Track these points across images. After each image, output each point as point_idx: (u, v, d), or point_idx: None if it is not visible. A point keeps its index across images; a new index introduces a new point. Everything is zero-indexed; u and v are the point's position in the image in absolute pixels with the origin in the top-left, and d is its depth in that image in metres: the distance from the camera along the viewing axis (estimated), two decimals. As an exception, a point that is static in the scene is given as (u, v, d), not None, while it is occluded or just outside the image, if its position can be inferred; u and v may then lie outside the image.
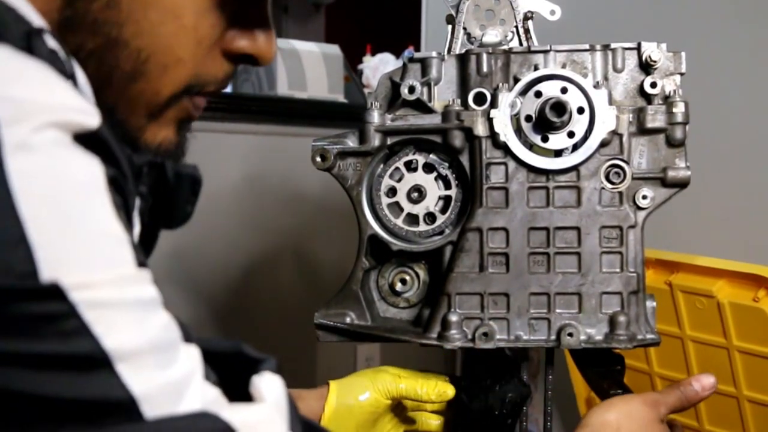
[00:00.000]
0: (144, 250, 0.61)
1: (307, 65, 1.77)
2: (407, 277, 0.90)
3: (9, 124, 0.39)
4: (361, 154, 0.88)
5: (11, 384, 0.39)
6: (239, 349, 0.53)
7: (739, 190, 1.10)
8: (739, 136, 1.11)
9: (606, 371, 0.86)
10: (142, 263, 0.43)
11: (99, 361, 0.40)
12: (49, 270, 0.39)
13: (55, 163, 0.40)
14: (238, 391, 0.49)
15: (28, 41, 0.43)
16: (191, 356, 0.45)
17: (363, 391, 0.86)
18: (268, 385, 0.50)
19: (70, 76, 0.46)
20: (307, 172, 0.99)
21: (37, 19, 0.46)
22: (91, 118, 0.43)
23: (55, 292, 0.39)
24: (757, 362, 0.95)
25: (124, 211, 0.45)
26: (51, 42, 0.45)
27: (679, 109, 0.82)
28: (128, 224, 0.46)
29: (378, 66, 2.16)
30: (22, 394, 0.39)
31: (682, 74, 0.83)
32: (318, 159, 0.88)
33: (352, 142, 0.88)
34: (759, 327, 0.93)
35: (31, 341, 0.39)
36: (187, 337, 0.46)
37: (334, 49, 1.87)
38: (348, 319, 0.89)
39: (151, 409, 0.41)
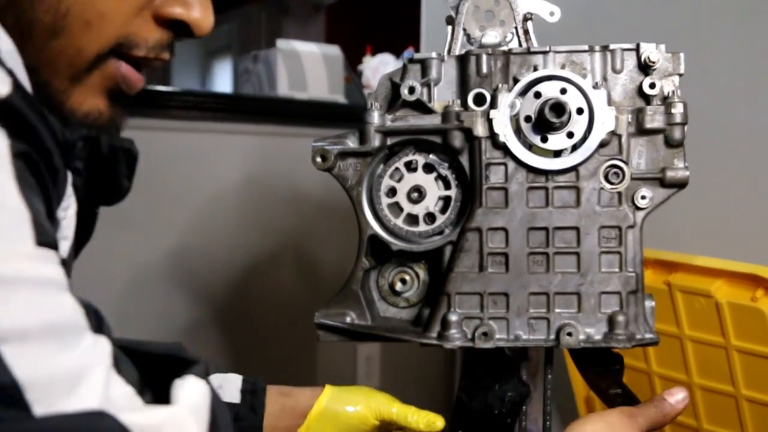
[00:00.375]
0: (83, 226, 0.58)
1: (307, 66, 1.78)
2: (407, 277, 0.90)
3: None
4: (361, 154, 0.88)
5: None
6: (175, 352, 0.50)
7: (738, 190, 1.10)
8: (738, 137, 1.12)
9: (605, 371, 0.87)
10: (45, 243, 0.41)
11: None
12: None
13: None
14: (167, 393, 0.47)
15: None
16: (96, 347, 0.42)
17: (355, 403, 0.87)
18: (188, 389, 0.47)
19: None
20: (308, 173, 1.00)
21: None
22: (1, 85, 0.41)
23: None
24: (755, 361, 0.96)
25: (40, 187, 0.43)
26: None
27: (677, 109, 0.82)
28: (44, 201, 0.43)
29: (378, 66, 2.17)
30: None
31: (680, 75, 0.84)
32: (318, 159, 0.89)
33: (352, 143, 0.89)
34: (757, 327, 0.93)
35: None
36: (99, 328, 0.43)
37: (335, 50, 1.88)
38: (348, 319, 0.89)
39: (36, 399, 0.38)
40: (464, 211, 0.87)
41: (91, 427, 0.39)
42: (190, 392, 0.46)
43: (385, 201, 0.89)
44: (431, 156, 0.88)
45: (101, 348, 0.42)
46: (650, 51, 0.83)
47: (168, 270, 1.56)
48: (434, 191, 0.88)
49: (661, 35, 0.87)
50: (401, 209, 0.89)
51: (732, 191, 1.10)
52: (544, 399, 0.92)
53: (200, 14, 0.55)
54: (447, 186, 0.88)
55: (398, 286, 0.90)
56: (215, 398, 0.48)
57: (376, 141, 0.87)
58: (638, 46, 0.84)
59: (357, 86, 1.95)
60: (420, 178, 0.88)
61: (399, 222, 0.88)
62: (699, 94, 0.90)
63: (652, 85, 0.83)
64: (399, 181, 0.89)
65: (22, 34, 0.49)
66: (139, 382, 0.45)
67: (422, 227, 0.88)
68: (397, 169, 0.89)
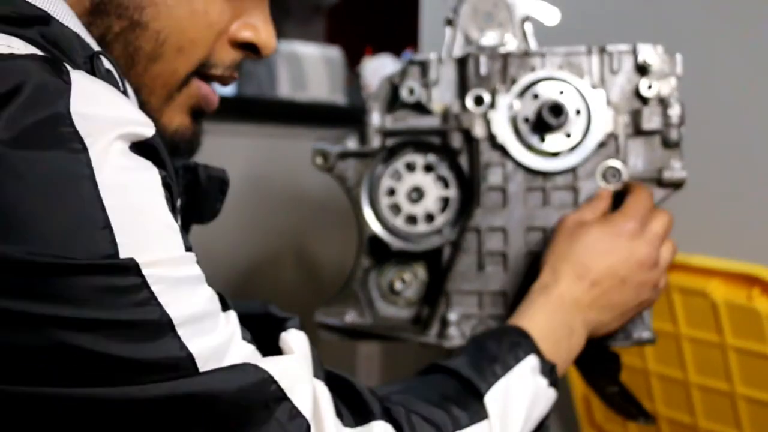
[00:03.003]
0: None
1: (308, 67, 1.78)
2: (407, 277, 0.91)
3: (91, 137, 0.47)
4: (361, 155, 0.89)
5: (93, 346, 0.46)
6: (267, 311, 0.61)
7: (735, 190, 1.11)
8: (734, 137, 1.13)
9: (603, 369, 0.88)
10: (189, 248, 0.51)
11: (165, 327, 0.48)
12: (126, 251, 0.47)
13: (126, 168, 0.48)
14: (268, 345, 0.56)
15: (91, 64, 0.53)
16: (231, 321, 0.53)
17: None
18: (295, 339, 0.58)
19: (124, 92, 0.54)
20: (308, 173, 1.00)
21: (94, 44, 0.55)
22: (148, 129, 0.51)
23: (132, 268, 0.47)
24: (751, 360, 0.96)
25: (172, 205, 0.52)
26: (107, 63, 0.54)
27: (674, 111, 0.83)
28: (177, 216, 0.53)
29: (377, 68, 2.17)
30: (102, 355, 0.46)
31: (677, 76, 0.84)
32: (319, 160, 0.90)
33: (352, 144, 0.89)
34: (753, 325, 0.94)
35: (110, 310, 0.46)
36: (226, 305, 0.54)
37: (335, 51, 1.89)
38: (348, 318, 0.90)
39: (203, 366, 0.49)
40: (463, 211, 0.88)
41: (243, 374, 0.50)
42: (298, 342, 0.58)
43: (385, 201, 0.90)
44: (430, 156, 0.89)
45: (232, 321, 0.53)
46: (647, 52, 0.84)
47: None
48: (433, 191, 0.89)
49: (659, 36, 0.88)
50: (401, 209, 0.89)
51: (729, 191, 1.11)
52: (542, 397, 0.92)
53: (266, 37, 0.64)
54: (446, 186, 0.89)
55: (398, 285, 0.91)
56: (312, 345, 0.59)
57: (375, 142, 0.88)
58: (635, 47, 0.84)
59: (357, 87, 1.96)
60: (419, 178, 0.89)
61: (399, 222, 0.89)
62: (697, 95, 0.91)
63: (650, 87, 0.84)
64: (398, 181, 0.90)
65: (126, 61, 0.59)
66: (252, 339, 0.54)
67: (422, 227, 0.89)
68: (396, 169, 0.90)
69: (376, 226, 0.89)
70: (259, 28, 0.64)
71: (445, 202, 0.89)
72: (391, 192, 0.90)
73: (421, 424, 0.61)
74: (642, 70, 0.84)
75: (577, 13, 1.08)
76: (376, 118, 0.88)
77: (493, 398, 0.65)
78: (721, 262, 0.98)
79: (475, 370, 0.66)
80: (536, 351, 0.70)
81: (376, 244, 0.90)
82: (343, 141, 0.89)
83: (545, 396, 0.70)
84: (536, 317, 0.73)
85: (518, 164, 0.84)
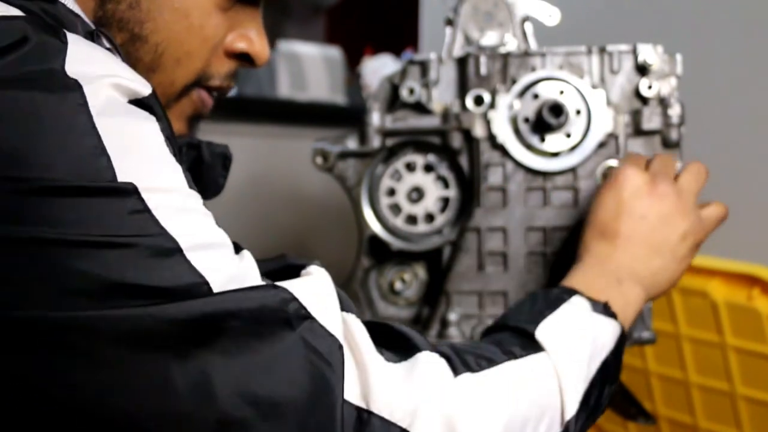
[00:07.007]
0: None
1: (307, 67, 1.78)
2: (407, 277, 0.91)
3: (85, 80, 0.48)
4: (361, 155, 0.89)
5: (93, 269, 0.45)
6: (286, 263, 0.60)
7: (734, 190, 1.11)
8: (733, 137, 1.13)
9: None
10: (192, 188, 0.51)
11: (172, 251, 0.47)
12: (124, 176, 0.47)
13: (121, 107, 0.49)
14: None
15: (91, 38, 0.54)
16: (246, 258, 0.52)
17: None
18: (317, 270, 0.57)
19: None
20: (308, 173, 1.00)
21: (92, 25, 0.57)
22: (144, 88, 0.51)
23: (132, 192, 0.47)
24: (751, 360, 0.96)
25: (178, 158, 0.52)
26: (107, 43, 0.56)
27: (674, 111, 0.83)
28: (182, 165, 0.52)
29: (377, 68, 2.17)
30: (105, 279, 0.45)
31: (677, 76, 0.84)
32: (319, 160, 0.90)
33: (352, 143, 0.89)
34: (753, 325, 0.94)
35: (110, 233, 0.45)
36: (239, 249, 0.53)
37: (335, 51, 1.89)
38: (348, 318, 0.90)
39: (219, 290, 0.47)
40: (463, 211, 0.88)
41: (262, 294, 0.49)
42: (321, 273, 0.57)
43: (385, 201, 0.90)
44: (430, 156, 0.89)
45: (247, 259, 0.52)
46: (647, 52, 0.84)
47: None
48: (433, 191, 0.89)
49: (659, 36, 0.88)
50: (401, 209, 0.89)
51: (728, 191, 1.11)
52: (542, 397, 0.92)
53: (260, 47, 0.66)
54: (446, 186, 0.89)
55: (398, 285, 0.91)
56: (337, 287, 0.57)
57: (375, 141, 0.88)
58: (635, 47, 0.84)
59: (357, 87, 1.95)
60: (419, 178, 0.89)
61: (399, 222, 0.89)
62: (697, 95, 0.91)
63: (650, 87, 0.84)
64: (398, 181, 0.90)
65: None
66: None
67: (422, 227, 0.89)
68: (396, 169, 0.90)
69: (376, 226, 0.90)
70: (253, 39, 0.66)
71: (445, 202, 0.89)
72: (391, 192, 0.90)
73: (471, 356, 0.58)
74: (642, 70, 0.84)
75: (577, 13, 1.08)
76: (376, 118, 0.88)
77: (543, 333, 0.63)
78: (721, 262, 0.98)
79: (519, 318, 0.65)
80: (581, 294, 0.68)
81: (376, 244, 0.90)
82: (343, 141, 0.90)
83: (607, 327, 0.67)
84: (574, 279, 0.72)
85: (518, 164, 0.84)
